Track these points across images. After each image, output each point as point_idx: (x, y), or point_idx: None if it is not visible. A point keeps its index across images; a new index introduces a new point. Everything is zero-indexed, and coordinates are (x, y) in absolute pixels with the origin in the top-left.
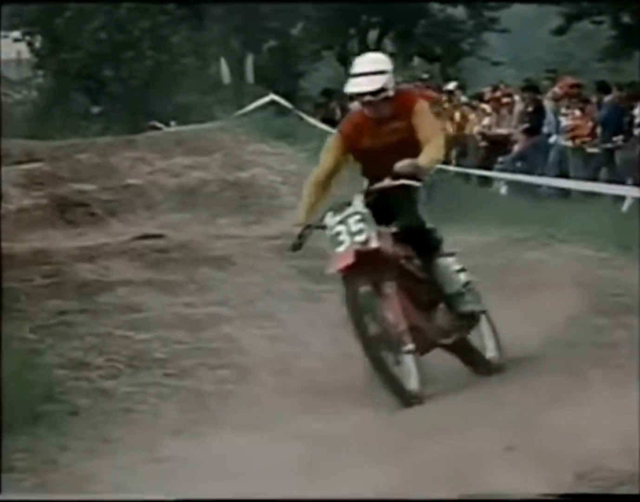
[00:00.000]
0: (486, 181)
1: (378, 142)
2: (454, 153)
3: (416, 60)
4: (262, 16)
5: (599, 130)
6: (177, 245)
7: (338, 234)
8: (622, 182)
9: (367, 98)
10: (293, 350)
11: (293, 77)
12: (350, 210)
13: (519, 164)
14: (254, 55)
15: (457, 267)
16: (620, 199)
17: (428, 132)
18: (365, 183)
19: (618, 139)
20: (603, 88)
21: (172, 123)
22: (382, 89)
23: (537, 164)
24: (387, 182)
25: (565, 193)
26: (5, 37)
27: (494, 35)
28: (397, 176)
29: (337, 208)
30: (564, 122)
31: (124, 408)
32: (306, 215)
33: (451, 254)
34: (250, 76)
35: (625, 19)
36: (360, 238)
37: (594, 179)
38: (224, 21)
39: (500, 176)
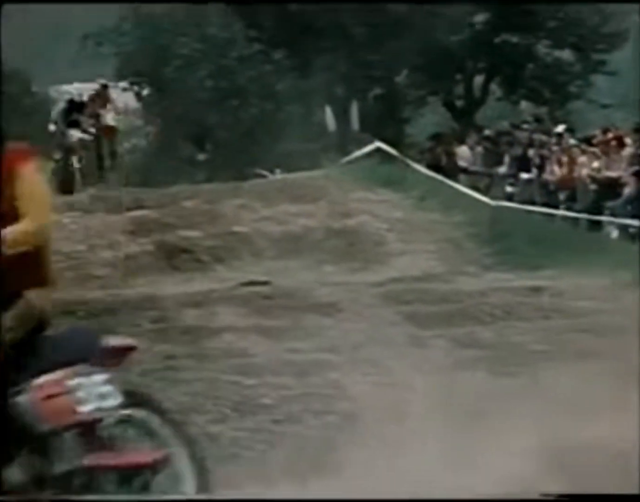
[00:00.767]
0: (596, 225)
1: None
2: (562, 197)
3: (523, 104)
4: (367, 64)
5: None
6: (283, 292)
7: None
8: None
9: None
10: (400, 396)
11: (398, 124)
12: None
13: (629, 208)
14: (359, 103)
15: None
16: None
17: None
18: None
19: None
20: None
21: (277, 171)
22: None
23: None
24: None
25: None
26: (114, 87)
27: (602, 78)
28: None
29: None
30: None
31: (231, 453)
32: None
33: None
34: (355, 123)
35: None
36: None
37: None
38: (329, 69)
39: (610, 220)
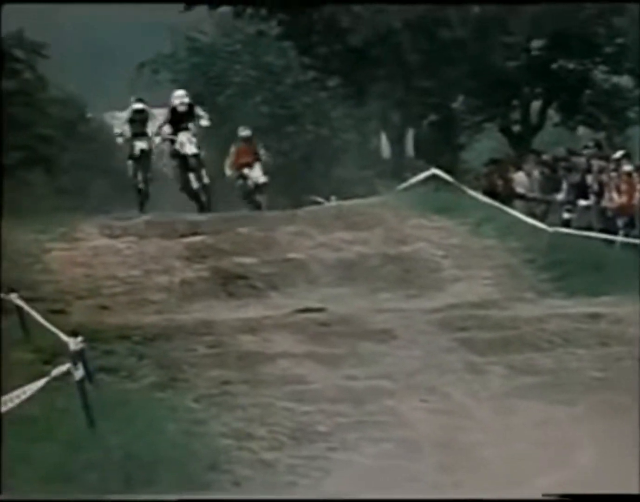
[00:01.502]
0: None
1: None
2: (620, 223)
3: (581, 130)
4: (422, 91)
5: None
6: (339, 319)
7: None
8: None
9: None
10: (457, 423)
11: (454, 150)
12: None
13: None
14: (414, 130)
15: None
16: None
17: None
18: None
19: None
20: None
21: (332, 198)
22: None
23: None
24: None
25: None
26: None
27: None
28: None
29: None
30: None
31: (287, 481)
32: None
33: None
34: (410, 150)
35: None
36: None
37: None
38: (384, 96)
39: None
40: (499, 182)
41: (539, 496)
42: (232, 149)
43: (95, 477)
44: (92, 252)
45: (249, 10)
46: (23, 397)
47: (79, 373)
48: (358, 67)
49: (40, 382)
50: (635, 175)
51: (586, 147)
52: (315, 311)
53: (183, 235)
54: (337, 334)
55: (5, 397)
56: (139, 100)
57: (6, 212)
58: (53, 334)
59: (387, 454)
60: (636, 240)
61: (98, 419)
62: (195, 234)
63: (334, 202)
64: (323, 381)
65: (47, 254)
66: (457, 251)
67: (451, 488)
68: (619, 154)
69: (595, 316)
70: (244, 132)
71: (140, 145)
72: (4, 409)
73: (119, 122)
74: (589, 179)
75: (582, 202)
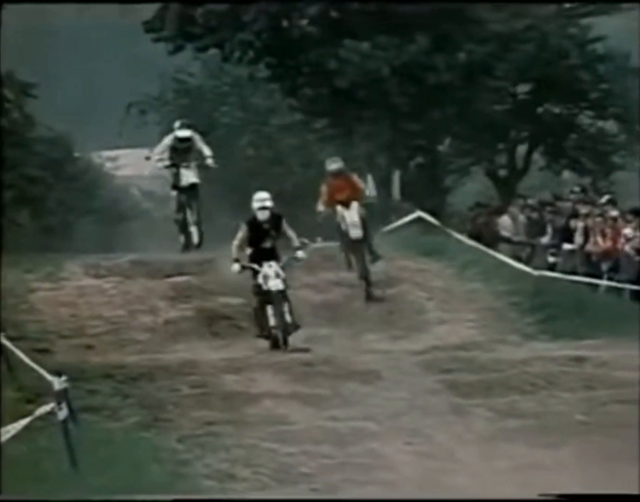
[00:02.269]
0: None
1: None
2: (605, 267)
3: (566, 174)
4: (409, 133)
5: None
6: (323, 359)
7: None
8: None
9: None
10: (441, 466)
11: (440, 193)
12: None
13: None
14: (400, 172)
15: None
16: None
17: None
18: None
19: None
20: None
21: (318, 239)
22: None
23: None
24: None
25: None
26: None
27: None
28: None
29: None
30: None
31: None
32: None
33: None
34: (396, 192)
35: None
36: None
37: None
38: (371, 138)
39: None
40: (485, 226)
41: None
42: (323, 188)
43: None
44: (77, 292)
45: (237, 53)
46: (7, 436)
47: (62, 413)
48: (345, 109)
49: (24, 422)
50: (620, 220)
51: (572, 192)
52: (299, 351)
53: (168, 276)
54: (321, 375)
55: None
56: (185, 126)
57: None
58: (37, 373)
59: (371, 497)
60: (620, 285)
61: (81, 459)
62: (181, 274)
63: (319, 243)
64: (307, 421)
65: (33, 293)
66: (442, 293)
67: None
68: (604, 199)
69: (579, 359)
70: (333, 165)
71: (188, 176)
72: None
73: (158, 148)
74: (574, 223)
75: (567, 246)
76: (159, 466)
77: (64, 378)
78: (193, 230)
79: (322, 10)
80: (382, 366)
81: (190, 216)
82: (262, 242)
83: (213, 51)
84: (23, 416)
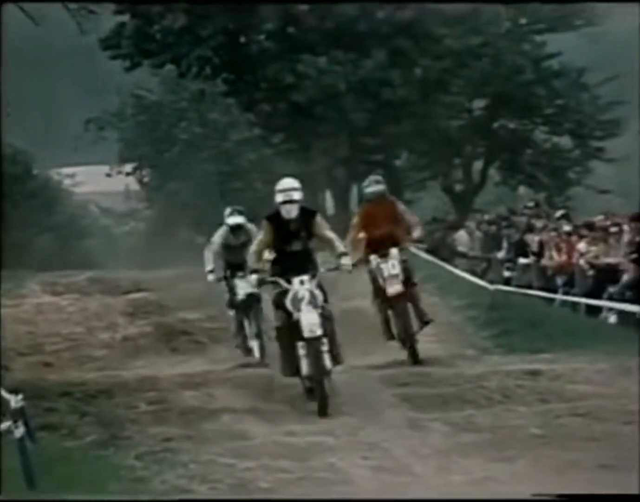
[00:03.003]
0: (594, 310)
1: None
2: (560, 281)
3: (522, 190)
4: (366, 148)
5: None
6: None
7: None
8: None
9: None
10: (399, 480)
11: None
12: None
13: (628, 294)
14: (358, 186)
15: None
16: None
17: None
18: None
19: None
20: None
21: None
22: None
23: None
24: None
25: None
26: (119, 173)
27: (601, 164)
28: None
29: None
30: None
31: None
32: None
33: None
34: (355, 207)
35: None
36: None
37: None
38: (329, 153)
39: (609, 305)
40: (441, 241)
41: None
42: (355, 220)
43: None
44: (36, 309)
45: (194, 69)
46: None
47: (19, 431)
48: (302, 124)
49: None
50: (574, 235)
51: (526, 207)
52: (258, 366)
53: (126, 292)
54: (280, 389)
55: None
56: (237, 212)
57: None
58: None
59: None
60: (575, 299)
61: (39, 478)
62: (139, 290)
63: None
64: (265, 436)
65: None
66: None
67: None
68: (558, 213)
69: (534, 373)
70: (373, 187)
71: (243, 286)
72: None
73: (207, 254)
74: (530, 238)
75: (523, 261)
76: (117, 484)
77: (20, 396)
78: (254, 344)
79: (279, 26)
80: (339, 380)
81: (249, 328)
82: (289, 245)
83: (170, 67)
84: None
